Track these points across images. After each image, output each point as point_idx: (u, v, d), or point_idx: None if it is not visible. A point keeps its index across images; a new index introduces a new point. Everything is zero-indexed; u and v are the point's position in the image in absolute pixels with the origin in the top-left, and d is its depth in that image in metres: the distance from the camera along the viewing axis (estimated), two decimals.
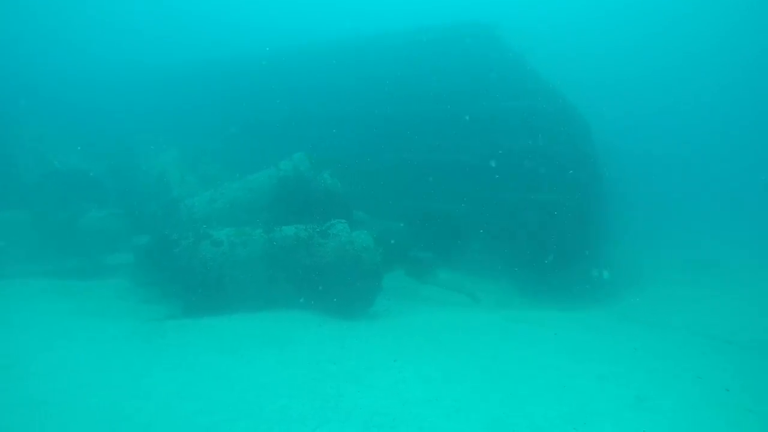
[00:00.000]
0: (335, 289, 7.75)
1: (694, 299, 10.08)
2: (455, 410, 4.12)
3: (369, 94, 12.78)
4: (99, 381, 4.32)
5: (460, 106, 12.11)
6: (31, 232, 9.29)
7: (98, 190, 10.57)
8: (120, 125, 12.97)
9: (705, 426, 4.08)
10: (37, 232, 9.30)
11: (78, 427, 3.48)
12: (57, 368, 4.56)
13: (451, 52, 12.37)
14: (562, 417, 4.13)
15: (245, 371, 4.79)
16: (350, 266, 7.79)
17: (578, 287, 11.10)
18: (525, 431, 3.81)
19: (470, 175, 12.00)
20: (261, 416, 3.77)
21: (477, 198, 11.73)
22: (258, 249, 7.76)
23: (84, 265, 9.10)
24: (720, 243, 18.59)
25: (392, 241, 11.80)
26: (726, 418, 4.26)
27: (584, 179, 11.51)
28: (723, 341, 6.89)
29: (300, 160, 9.38)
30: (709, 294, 10.46)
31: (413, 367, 5.15)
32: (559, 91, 11.98)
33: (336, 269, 7.76)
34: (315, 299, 7.79)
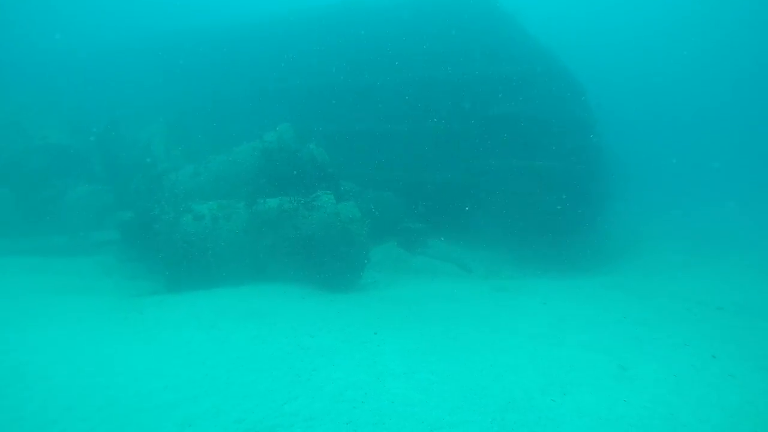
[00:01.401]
0: (321, 262, 7.64)
1: (688, 266, 9.95)
2: (430, 383, 4.03)
3: (357, 62, 12.37)
4: (68, 357, 4.24)
5: (451, 71, 11.72)
6: (14, 209, 9.15)
7: (84, 166, 10.37)
8: (106, 97, 12.64)
9: (685, 393, 3.98)
10: (20, 210, 9.15)
11: (38, 403, 3.40)
12: (27, 345, 4.48)
13: (441, 15, 11.89)
14: (541, 388, 4.04)
15: (219, 346, 4.70)
16: (336, 238, 7.65)
17: (572, 256, 10.98)
18: (500, 402, 3.72)
19: (462, 143, 11.72)
20: (227, 392, 3.68)
21: (469, 166, 11.48)
22: (241, 222, 7.61)
23: (69, 242, 9.01)
24: (720, 210, 18.38)
25: (383, 213, 11.68)
26: (708, 385, 4.15)
27: (579, 146, 11.22)
28: (714, 308, 6.77)
29: (285, 131, 9.13)
30: (704, 262, 10.31)
31: (393, 340, 5.05)
32: (554, 55, 11.55)
33: (321, 241, 7.63)
34: (301, 272, 7.69)
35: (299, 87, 12.63)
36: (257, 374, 4.05)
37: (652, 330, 5.67)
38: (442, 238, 11.68)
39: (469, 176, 11.52)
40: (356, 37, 12.37)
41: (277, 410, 3.42)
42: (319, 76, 12.58)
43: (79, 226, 9.42)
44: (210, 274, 7.21)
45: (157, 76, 13.44)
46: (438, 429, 3.27)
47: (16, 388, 3.62)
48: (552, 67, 11.36)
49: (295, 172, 8.82)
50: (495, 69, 11.50)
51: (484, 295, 7.14)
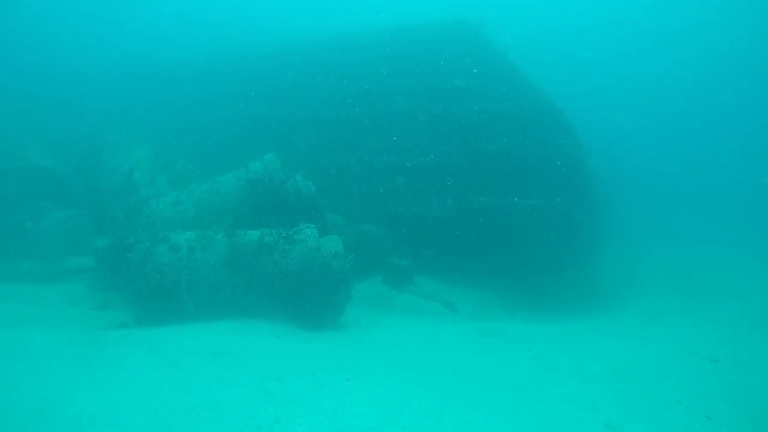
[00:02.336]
0: (300, 298, 7.34)
1: (680, 312, 9.70)
2: None
3: (349, 95, 12.39)
4: (7, 400, 3.89)
5: (443, 107, 11.73)
6: None
7: (64, 190, 10.12)
8: (92, 121, 12.52)
9: None
10: None
11: None
12: None
13: (432, 49, 12.00)
14: None
15: (179, 389, 4.37)
16: (317, 274, 7.38)
17: (560, 297, 10.75)
18: None
19: (453, 179, 11.61)
20: None
21: (459, 202, 11.34)
22: (219, 254, 7.34)
23: (42, 268, 8.67)
24: (712, 249, 18.23)
25: (369, 247, 11.44)
26: None
27: (570, 184, 11.14)
28: (708, 359, 6.50)
29: (270, 161, 8.97)
30: (700, 306, 10.06)
31: (366, 387, 4.73)
32: (544, 93, 11.62)
33: (301, 277, 7.35)
34: (279, 308, 7.38)
35: (289, 117, 12.59)
36: (213, 426, 3.72)
37: (643, 384, 5.38)
38: (429, 275, 11.43)
39: (459, 212, 11.36)
40: (347, 69, 12.44)
41: None
42: (308, 106, 12.57)
43: (54, 252, 9.10)
44: (183, 308, 6.88)
45: (146, 100, 13.41)
46: None
47: None
48: (541, 103, 11.41)
49: (279, 203, 8.61)
50: (486, 105, 11.52)
51: (467, 339, 6.83)
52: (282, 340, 6.36)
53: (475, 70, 11.67)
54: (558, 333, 7.67)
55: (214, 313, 7.05)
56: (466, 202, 11.30)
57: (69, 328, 6.14)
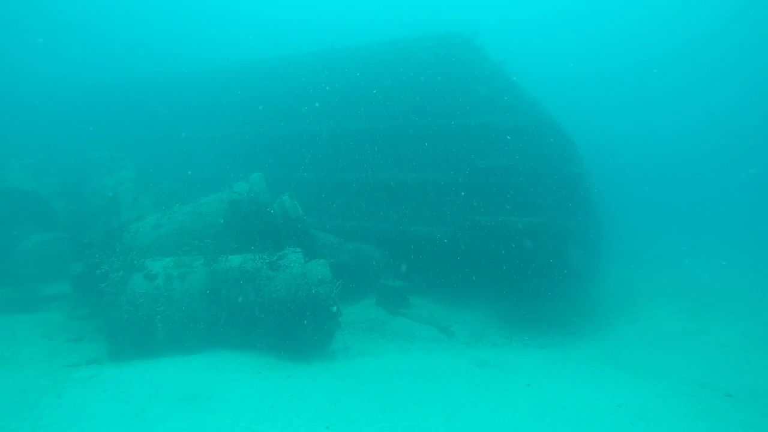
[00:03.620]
0: (284, 329, 6.92)
1: (688, 333, 9.21)
2: None
3: (341, 110, 12.05)
4: None
5: (437, 122, 11.37)
6: None
7: (44, 212, 9.77)
8: (76, 139, 12.21)
9: None
10: None
11: None
12: None
13: (427, 63, 11.67)
14: None
15: None
16: (302, 303, 6.96)
17: (561, 317, 10.30)
18: None
19: (449, 196, 11.22)
20: None
21: (455, 221, 10.94)
22: (197, 283, 6.93)
23: (15, 295, 8.27)
24: (718, 263, 17.76)
25: (362, 266, 11.03)
26: None
27: (570, 200, 10.74)
28: (722, 394, 6.03)
29: (256, 181, 8.60)
30: (706, 327, 9.58)
31: None
32: (542, 106, 11.26)
33: (286, 306, 6.93)
34: (262, 339, 6.95)
35: (280, 134, 12.24)
36: None
37: (651, 425, 4.92)
38: (425, 295, 11.00)
39: (456, 231, 10.95)
40: (339, 83, 12.12)
41: None
42: (300, 122, 12.23)
43: (31, 278, 8.71)
44: (157, 342, 6.46)
45: (130, 118, 13.10)
46: None
47: None
48: (540, 118, 11.04)
49: (264, 226, 8.22)
50: (482, 120, 11.16)
51: (461, 372, 6.38)
52: (262, 376, 5.93)
53: (470, 84, 11.33)
54: (559, 362, 7.21)
55: (192, 346, 6.63)
56: (463, 220, 10.90)
57: (30, 368, 5.72)
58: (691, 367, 7.06)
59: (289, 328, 6.93)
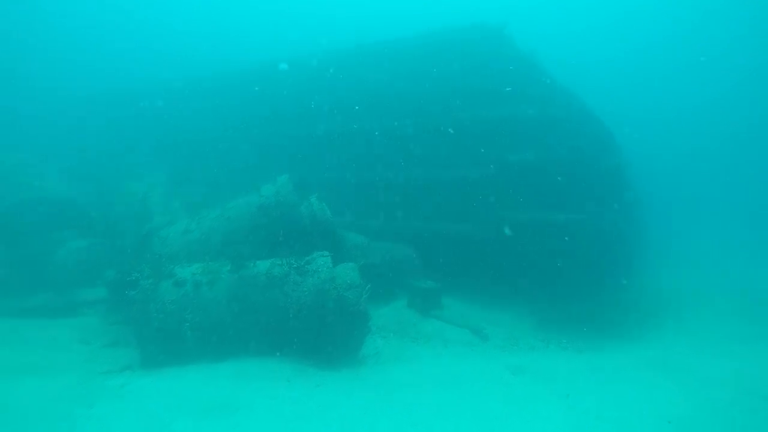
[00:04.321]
0: (314, 334, 6.81)
1: (745, 338, 8.57)
2: None
3: (370, 107, 11.84)
4: None
5: (469, 117, 11.00)
6: (3, 265, 8.76)
7: (81, 218, 10.02)
8: (110, 146, 12.50)
9: None
10: (9, 266, 8.75)
11: None
12: None
13: (456, 57, 11.30)
14: None
15: None
16: (331, 308, 6.82)
17: (602, 318, 9.80)
18: None
19: (481, 193, 10.85)
20: None
21: (489, 218, 10.57)
22: (226, 289, 6.89)
23: (55, 301, 8.50)
24: None
25: (393, 266, 10.82)
26: None
27: (609, 195, 10.19)
28: None
29: (283, 184, 8.51)
30: (765, 332, 8.89)
31: None
32: (577, 97, 10.71)
33: (314, 311, 6.81)
34: (291, 345, 6.87)
35: (309, 134, 12.16)
36: None
37: None
38: (458, 296, 10.70)
39: (489, 228, 10.58)
40: (366, 80, 11.90)
41: None
42: (328, 122, 12.10)
43: (71, 283, 8.95)
44: (187, 349, 6.46)
45: (161, 123, 13.30)
46: None
47: None
48: (575, 109, 10.51)
49: (292, 229, 8.13)
50: (514, 112, 10.72)
51: (496, 380, 6.10)
52: (291, 385, 5.84)
53: (500, 76, 10.90)
54: (600, 368, 6.81)
55: (221, 352, 6.60)
56: (497, 217, 10.52)
57: (67, 375, 5.81)
58: (750, 376, 6.53)
59: (318, 334, 6.81)
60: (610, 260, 10.31)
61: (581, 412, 5.15)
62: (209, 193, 10.15)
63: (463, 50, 11.30)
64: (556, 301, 10.07)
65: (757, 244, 18.83)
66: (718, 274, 13.93)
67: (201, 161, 11.84)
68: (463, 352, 7.79)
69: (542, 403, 5.39)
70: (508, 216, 10.33)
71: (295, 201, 8.31)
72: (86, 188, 10.77)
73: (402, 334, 8.81)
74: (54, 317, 8.12)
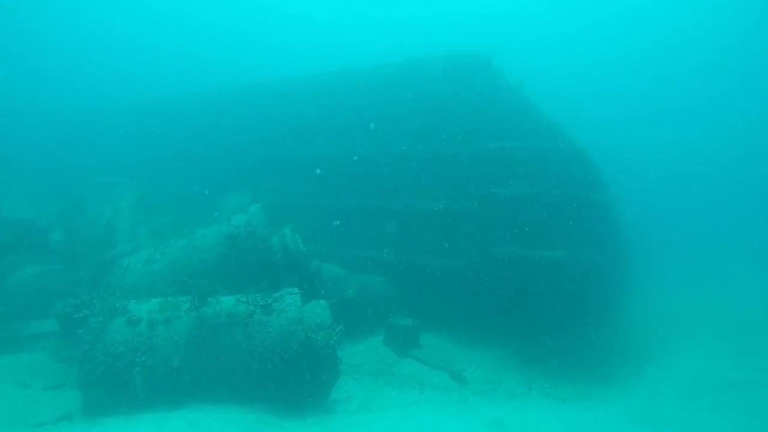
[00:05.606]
0: (278, 381, 6.28)
1: (740, 386, 8.16)
2: None
3: (350, 135, 11.53)
4: None
5: (453, 147, 10.73)
6: None
7: (39, 242, 9.42)
8: (76, 166, 11.95)
9: None
10: None
11: None
12: None
13: (438, 84, 11.08)
14: None
15: None
16: (297, 351, 6.32)
17: (587, 359, 9.42)
18: None
19: (464, 226, 10.51)
20: None
21: (470, 253, 10.20)
22: (184, 328, 6.36)
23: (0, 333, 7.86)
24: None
25: (370, 300, 10.38)
26: None
27: (595, 232, 9.91)
28: None
29: (255, 214, 8.06)
30: (763, 378, 8.48)
31: None
32: (563, 130, 10.51)
33: (280, 355, 6.30)
34: (253, 392, 6.33)
35: (287, 158, 11.77)
36: None
37: None
38: (437, 332, 10.24)
39: (471, 263, 10.20)
40: (345, 107, 11.61)
41: None
42: (306, 148, 11.74)
43: (20, 313, 8.31)
44: (137, 395, 5.89)
45: (131, 144, 12.81)
46: None
47: None
48: (561, 143, 10.29)
49: (262, 262, 7.66)
50: (498, 145, 10.47)
51: None
52: None
53: (487, 107, 10.68)
54: (584, 425, 6.36)
55: (176, 399, 6.04)
56: (479, 252, 10.15)
57: None
58: None
59: (283, 379, 6.29)
60: (595, 297, 9.97)
61: None
62: (179, 219, 9.65)
63: (449, 79, 11.09)
64: (540, 339, 9.68)
65: (747, 257, 18.76)
66: (707, 305, 13.65)
67: (172, 183, 11.35)
68: (440, 399, 7.31)
69: None
70: (490, 251, 9.97)
71: (266, 233, 7.85)
72: (49, 208, 10.19)
73: (376, 375, 8.31)
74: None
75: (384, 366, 8.65)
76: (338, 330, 6.81)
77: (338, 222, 10.84)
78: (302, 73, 13.18)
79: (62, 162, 12.16)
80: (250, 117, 12.60)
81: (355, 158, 11.66)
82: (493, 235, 10.07)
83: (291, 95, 12.61)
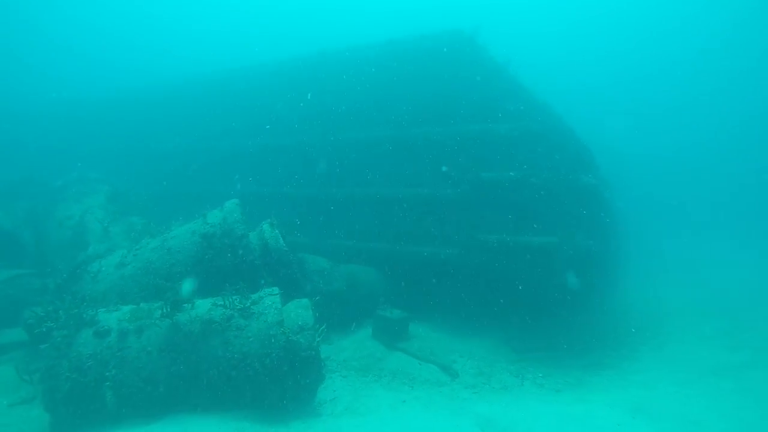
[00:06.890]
0: (259, 387, 6.00)
1: (731, 368, 8.04)
2: None
3: (330, 119, 11.05)
4: None
5: (436, 129, 10.32)
6: None
7: (9, 246, 8.97)
8: (44, 163, 11.39)
9: None
10: None
11: None
12: None
13: (422, 65, 10.59)
14: None
15: None
16: (278, 356, 6.02)
17: (579, 347, 9.28)
18: None
19: (453, 213, 10.18)
20: None
21: (459, 240, 9.90)
22: (157, 337, 6.01)
23: None
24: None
25: (358, 291, 10.11)
26: None
27: (588, 216, 9.63)
28: None
29: (231, 210, 7.65)
30: (754, 359, 8.35)
31: None
32: (553, 111, 10.13)
33: (259, 361, 6.00)
34: (232, 400, 6.04)
35: (267, 146, 11.30)
36: None
37: None
38: (428, 322, 10.03)
39: (461, 251, 9.91)
40: (327, 91, 11.10)
41: None
42: (287, 134, 11.26)
43: None
44: (108, 413, 5.57)
45: (105, 138, 12.22)
46: None
47: None
48: (552, 125, 9.92)
49: (240, 262, 7.29)
50: (486, 127, 10.08)
51: None
52: None
53: (472, 87, 10.24)
54: (578, 417, 6.17)
55: (150, 413, 5.74)
56: (469, 239, 9.86)
57: None
58: (746, 423, 5.97)
59: (265, 386, 6.01)
60: (587, 282, 9.75)
61: None
62: (154, 216, 9.21)
63: (433, 59, 10.59)
64: (531, 328, 9.51)
65: (739, 249, 18.72)
66: (700, 284, 13.56)
67: (147, 178, 10.86)
68: (430, 396, 7.07)
69: None
70: (479, 237, 9.68)
71: (242, 231, 7.45)
72: (17, 210, 9.69)
73: (365, 372, 8.06)
74: None
75: (372, 361, 8.42)
76: (321, 330, 6.53)
77: (323, 212, 10.46)
78: (278, 56, 12.61)
79: (32, 158, 11.60)
80: (224, 105, 12.05)
81: (336, 145, 11.22)
82: (481, 220, 9.76)
83: (267, 80, 12.05)
